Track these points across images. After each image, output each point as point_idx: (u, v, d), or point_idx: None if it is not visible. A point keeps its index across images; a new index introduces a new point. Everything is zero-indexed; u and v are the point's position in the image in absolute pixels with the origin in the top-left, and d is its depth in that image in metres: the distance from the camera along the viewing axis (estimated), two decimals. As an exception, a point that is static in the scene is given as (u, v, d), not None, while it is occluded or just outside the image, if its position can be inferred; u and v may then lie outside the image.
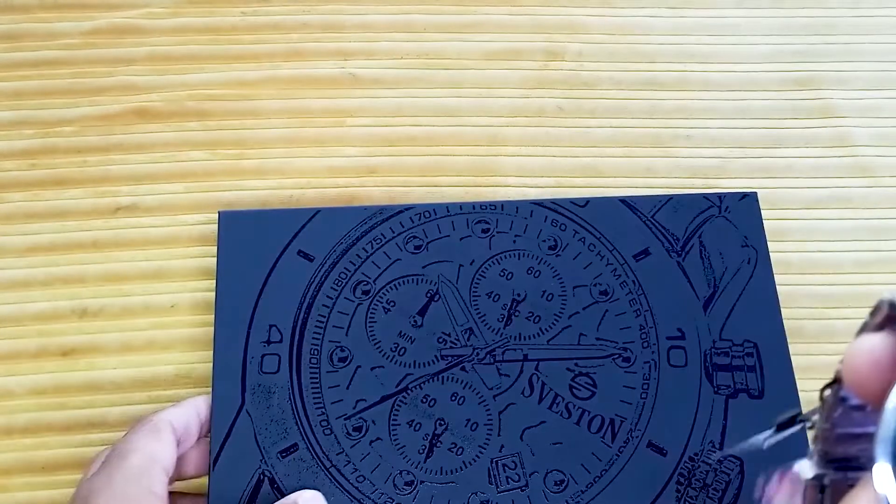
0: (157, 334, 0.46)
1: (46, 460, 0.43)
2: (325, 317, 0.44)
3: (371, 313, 0.44)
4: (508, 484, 0.41)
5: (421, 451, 0.42)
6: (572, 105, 0.51)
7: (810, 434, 0.25)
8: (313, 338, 0.43)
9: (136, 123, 0.50)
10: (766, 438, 0.29)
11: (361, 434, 0.42)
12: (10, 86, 0.50)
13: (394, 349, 0.43)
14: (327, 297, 0.44)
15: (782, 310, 0.44)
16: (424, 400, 0.42)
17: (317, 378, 0.43)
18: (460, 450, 0.42)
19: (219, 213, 0.46)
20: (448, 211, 0.46)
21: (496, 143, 0.50)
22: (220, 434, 0.41)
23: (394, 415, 0.42)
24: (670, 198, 0.47)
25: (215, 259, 0.44)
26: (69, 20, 0.52)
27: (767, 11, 0.54)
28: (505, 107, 0.51)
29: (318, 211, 0.46)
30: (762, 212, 0.47)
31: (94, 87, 0.50)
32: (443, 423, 0.42)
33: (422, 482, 0.41)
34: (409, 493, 0.41)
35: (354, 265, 0.45)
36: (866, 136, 0.51)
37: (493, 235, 0.46)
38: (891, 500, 0.21)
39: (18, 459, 0.43)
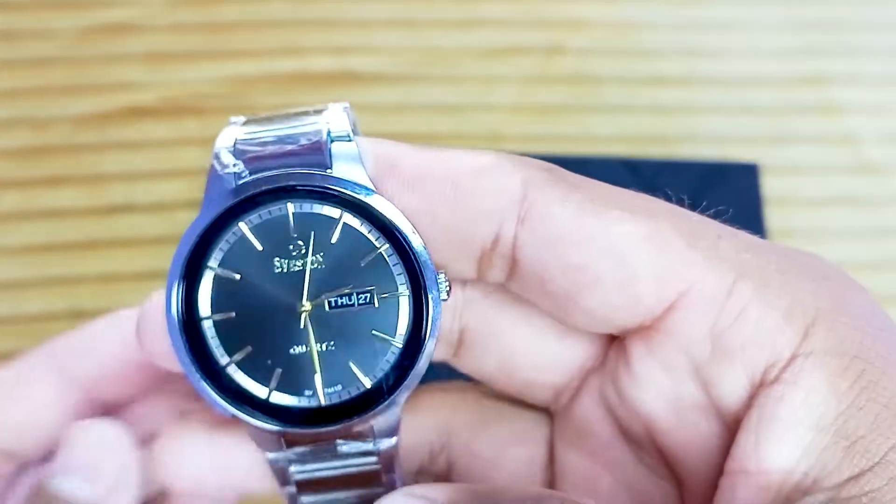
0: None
1: (40, 463, 0.43)
2: None
3: None
4: None
5: None
6: (575, 102, 0.51)
7: None
8: None
9: (132, 122, 0.49)
10: None
11: None
12: (4, 85, 0.50)
13: None
14: None
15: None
16: None
17: None
18: None
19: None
20: None
21: (497, 141, 0.50)
22: None
23: None
24: (672, 163, 0.47)
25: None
26: (65, 18, 0.51)
27: (774, 8, 0.54)
28: (506, 104, 0.51)
29: None
30: (766, 211, 0.47)
31: (89, 85, 0.50)
32: None
33: None
34: None
35: None
36: (874, 134, 0.51)
37: None
38: None
39: (12, 463, 0.43)
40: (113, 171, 0.48)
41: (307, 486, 0.22)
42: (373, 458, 0.22)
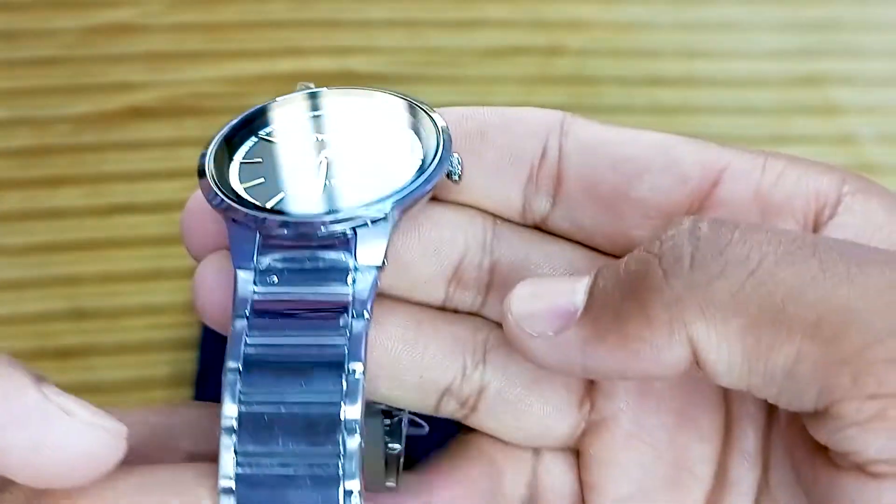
0: (154, 335, 0.45)
1: (41, 463, 0.43)
2: None
3: None
4: None
5: None
6: (574, 103, 0.51)
7: None
8: None
9: (133, 122, 0.49)
10: None
11: None
12: (4, 85, 0.50)
13: None
14: None
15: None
16: None
17: None
18: None
19: None
20: None
21: (497, 142, 0.50)
22: None
23: None
24: None
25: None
26: (65, 19, 0.52)
27: (772, 8, 0.54)
28: (506, 104, 0.50)
29: None
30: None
31: (90, 85, 0.50)
32: None
33: None
34: None
35: None
36: (873, 135, 0.51)
37: None
38: None
39: (13, 462, 0.43)
40: (113, 171, 0.48)
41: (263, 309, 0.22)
42: (345, 290, 0.22)
